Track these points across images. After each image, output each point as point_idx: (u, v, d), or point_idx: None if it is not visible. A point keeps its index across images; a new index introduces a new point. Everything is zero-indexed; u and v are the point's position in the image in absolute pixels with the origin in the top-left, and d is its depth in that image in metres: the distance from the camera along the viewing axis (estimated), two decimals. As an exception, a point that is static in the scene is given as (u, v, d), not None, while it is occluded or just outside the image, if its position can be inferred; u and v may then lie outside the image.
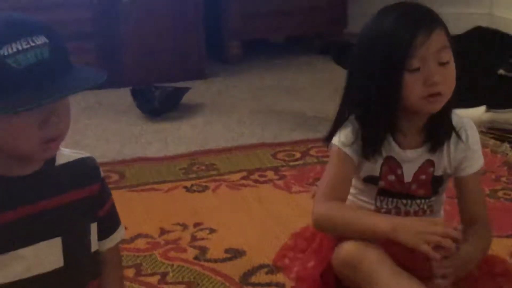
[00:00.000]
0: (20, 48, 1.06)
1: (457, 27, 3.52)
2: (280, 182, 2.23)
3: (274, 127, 2.70)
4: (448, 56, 1.42)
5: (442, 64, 1.41)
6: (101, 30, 3.12)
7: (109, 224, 1.28)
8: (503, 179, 2.20)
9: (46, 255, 1.17)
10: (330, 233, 1.53)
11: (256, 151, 2.47)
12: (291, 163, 2.37)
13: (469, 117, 2.54)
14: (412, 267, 1.46)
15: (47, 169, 1.18)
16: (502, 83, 2.96)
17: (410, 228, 1.40)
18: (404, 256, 1.46)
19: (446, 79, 1.42)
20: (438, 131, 1.51)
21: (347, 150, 1.51)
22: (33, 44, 1.07)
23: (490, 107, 2.58)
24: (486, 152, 2.35)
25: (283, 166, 2.34)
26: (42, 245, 1.17)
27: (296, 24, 3.49)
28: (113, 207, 1.29)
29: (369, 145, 1.50)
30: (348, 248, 1.48)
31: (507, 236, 1.87)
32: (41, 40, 1.08)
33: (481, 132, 2.47)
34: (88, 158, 1.24)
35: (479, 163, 1.55)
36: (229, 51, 3.44)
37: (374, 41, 1.44)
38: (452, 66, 1.43)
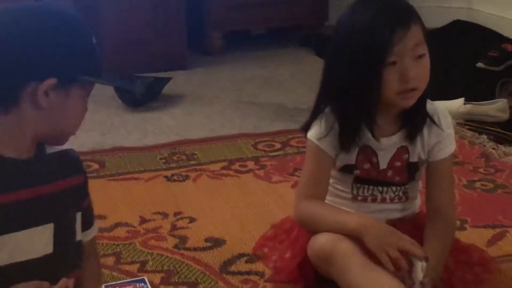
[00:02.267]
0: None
1: (437, 21, 3.55)
2: (261, 172, 2.23)
3: (255, 117, 2.69)
4: (423, 50, 1.43)
5: (418, 58, 1.42)
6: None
7: (89, 218, 1.29)
8: (481, 170, 2.22)
9: (38, 240, 1.17)
10: (312, 230, 1.54)
11: (236, 141, 2.46)
12: (272, 153, 2.36)
13: (447, 109, 2.59)
14: (379, 260, 1.45)
15: (40, 156, 1.18)
16: (480, 76, 2.98)
17: (378, 233, 1.42)
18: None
19: (421, 74, 1.43)
20: (413, 120, 1.52)
21: (322, 144, 1.53)
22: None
23: (468, 99, 2.59)
24: (464, 144, 2.38)
25: (263, 156, 2.34)
26: (35, 230, 1.16)
27: (277, 16, 3.48)
28: (91, 202, 1.30)
29: (345, 137, 1.51)
30: (321, 241, 1.50)
31: (484, 226, 1.88)
32: None
33: (459, 124, 2.51)
34: (70, 149, 1.25)
35: (451, 147, 1.57)
36: (210, 43, 3.43)
37: (351, 36, 1.44)
38: (427, 59, 1.45)
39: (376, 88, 1.42)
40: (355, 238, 1.47)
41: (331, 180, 1.59)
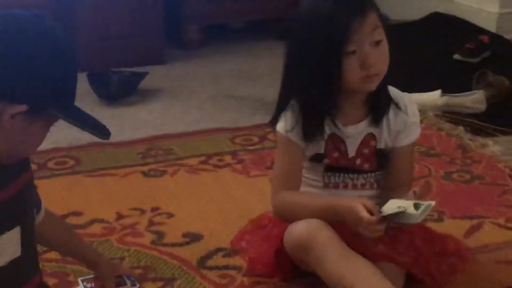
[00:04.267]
0: None
1: (415, 13, 3.56)
2: (239, 166, 2.22)
3: (233, 112, 2.69)
4: (381, 35, 1.46)
5: (376, 43, 1.45)
6: (57, 14, 3.05)
7: (37, 200, 1.31)
8: (458, 161, 2.23)
9: (7, 246, 1.16)
10: (291, 220, 1.54)
11: (214, 135, 2.45)
12: (249, 148, 2.36)
13: (424, 101, 2.61)
14: (362, 249, 1.47)
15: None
16: (457, 68, 3.00)
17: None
18: (355, 238, 1.47)
19: (381, 59, 1.46)
20: (377, 105, 1.55)
21: (291, 136, 1.54)
22: None
23: (445, 91, 2.60)
24: (441, 135, 2.40)
25: (241, 150, 2.33)
26: (5, 236, 1.15)
27: (255, 8, 3.47)
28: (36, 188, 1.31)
29: (308, 128, 1.52)
30: (298, 230, 1.50)
31: (462, 218, 1.89)
32: None
33: (436, 116, 2.52)
34: None
35: (416, 134, 1.60)
36: (188, 36, 3.41)
37: (310, 27, 1.46)
38: (385, 44, 1.47)
39: (337, 77, 1.45)
40: (333, 226, 1.48)
41: (303, 170, 1.60)
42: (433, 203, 1.43)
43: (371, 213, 1.39)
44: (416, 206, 1.41)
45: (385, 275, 1.43)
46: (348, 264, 1.43)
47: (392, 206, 1.41)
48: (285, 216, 1.56)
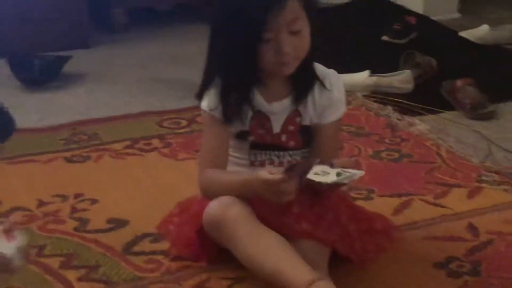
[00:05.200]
0: None
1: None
2: (166, 150, 2.17)
3: (161, 95, 2.63)
4: (300, 25, 1.46)
5: (294, 33, 1.45)
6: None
7: None
8: (387, 140, 2.24)
9: None
10: (214, 197, 1.52)
11: (141, 119, 2.40)
12: (178, 131, 2.31)
13: (353, 82, 2.62)
14: (284, 227, 1.46)
15: None
16: (385, 49, 3.02)
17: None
18: (276, 216, 1.46)
19: (297, 48, 1.46)
20: (302, 82, 1.54)
21: (216, 113, 1.54)
22: None
23: (374, 72, 2.61)
24: (370, 115, 2.40)
25: (169, 134, 2.29)
26: None
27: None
28: None
29: (231, 106, 1.52)
30: (212, 208, 1.49)
31: (391, 195, 1.90)
32: None
33: (365, 96, 2.53)
34: None
35: (341, 111, 1.60)
36: (114, 20, 3.32)
37: (228, 13, 1.46)
38: (304, 34, 1.47)
39: (253, 62, 1.46)
40: (257, 204, 1.47)
41: (229, 149, 1.58)
42: (358, 172, 1.43)
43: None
44: (339, 174, 1.41)
45: (309, 252, 1.42)
46: (258, 241, 1.41)
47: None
48: (210, 195, 1.53)
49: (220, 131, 1.54)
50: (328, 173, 1.41)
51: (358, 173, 1.44)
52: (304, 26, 1.46)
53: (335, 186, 1.44)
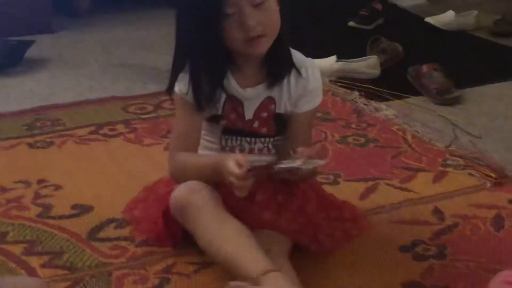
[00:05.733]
0: None
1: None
2: (131, 136, 2.15)
3: (126, 80, 2.61)
4: None
5: (257, 5, 1.41)
6: None
7: None
8: (353, 125, 2.24)
9: None
10: (184, 182, 1.50)
11: (106, 105, 2.37)
12: (143, 116, 2.29)
13: (320, 67, 2.61)
14: (248, 216, 1.45)
15: None
16: (352, 35, 3.03)
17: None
18: (240, 203, 1.45)
19: (264, 20, 1.42)
20: (277, 68, 1.51)
21: (188, 98, 1.51)
22: None
23: (341, 57, 2.61)
24: (336, 101, 2.41)
25: (134, 119, 2.26)
26: None
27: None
28: None
29: (201, 89, 1.49)
30: (179, 192, 1.47)
31: (357, 180, 1.90)
32: None
33: (331, 82, 2.53)
34: None
35: (317, 100, 1.57)
36: (78, 4, 3.29)
37: None
38: (269, 7, 1.43)
39: (219, 40, 1.42)
40: (215, 189, 1.45)
41: (201, 132, 1.56)
42: (320, 162, 1.41)
43: (241, 165, 1.36)
44: (305, 161, 1.38)
45: (271, 241, 1.42)
46: (219, 228, 1.39)
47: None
48: (180, 178, 1.51)
49: (192, 115, 1.51)
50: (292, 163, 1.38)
51: (322, 161, 1.42)
52: None
53: (298, 172, 1.40)
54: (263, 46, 1.44)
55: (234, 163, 1.35)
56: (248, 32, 1.40)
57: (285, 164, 1.38)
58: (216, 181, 1.46)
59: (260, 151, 1.56)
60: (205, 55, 1.46)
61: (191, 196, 1.44)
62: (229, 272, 1.38)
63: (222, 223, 1.40)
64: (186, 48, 1.49)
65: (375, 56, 2.64)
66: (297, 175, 1.42)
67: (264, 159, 1.45)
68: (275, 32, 1.45)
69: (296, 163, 1.37)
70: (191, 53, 1.48)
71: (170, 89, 1.53)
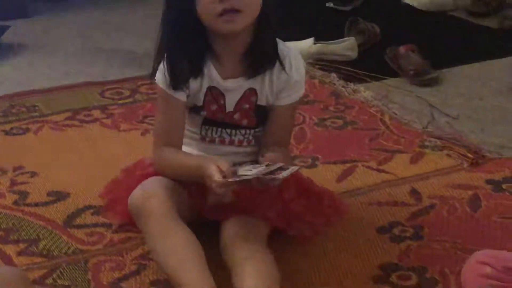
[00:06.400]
0: None
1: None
2: (108, 121, 2.14)
3: (102, 65, 2.58)
4: None
5: None
6: None
7: None
8: (331, 108, 2.24)
9: None
10: (171, 178, 1.49)
11: (82, 90, 2.35)
12: (120, 101, 2.27)
13: (298, 49, 2.61)
14: (225, 205, 1.45)
15: None
16: (330, 16, 3.02)
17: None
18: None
19: None
20: (259, 60, 1.48)
21: (170, 89, 1.48)
22: None
23: (318, 39, 2.61)
24: (314, 83, 2.40)
25: (111, 104, 2.25)
26: None
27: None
28: None
29: (178, 74, 1.46)
30: (134, 196, 1.45)
31: (335, 162, 1.90)
32: None
33: (309, 64, 2.53)
34: None
35: (299, 93, 1.55)
36: (53, -12, 3.24)
37: None
38: None
39: (193, 14, 1.39)
40: (173, 194, 1.44)
41: None
42: (295, 168, 1.40)
43: (224, 173, 1.34)
44: (279, 169, 1.36)
45: (249, 227, 1.42)
46: (165, 240, 1.37)
47: (247, 170, 1.38)
48: (163, 173, 1.50)
49: (175, 108, 1.48)
50: (251, 176, 1.36)
51: (297, 167, 1.40)
52: None
53: (266, 180, 1.36)
54: (238, 23, 1.40)
55: (216, 169, 1.34)
56: (223, 4, 1.36)
57: (266, 178, 1.35)
58: (198, 182, 1.44)
59: (240, 142, 1.55)
60: (182, 32, 1.43)
61: (144, 201, 1.41)
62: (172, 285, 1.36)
63: (169, 235, 1.37)
64: (165, 27, 1.45)
65: (353, 38, 2.63)
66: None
67: (247, 168, 1.40)
68: (252, 10, 1.41)
69: (277, 176, 1.34)
70: (169, 33, 1.45)
71: (153, 75, 1.50)
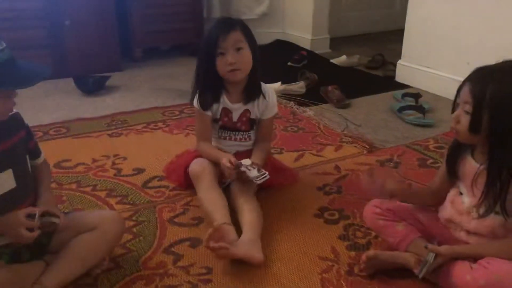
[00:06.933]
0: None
1: (265, 40, 3.53)
2: (166, 129, 2.11)
3: (163, 97, 2.55)
4: (240, 45, 1.39)
5: (237, 49, 1.38)
6: (53, 42, 2.78)
7: (37, 151, 1.16)
8: (290, 120, 2.22)
9: (4, 182, 1.03)
10: (206, 158, 1.47)
11: (152, 111, 2.32)
12: (173, 117, 2.25)
13: (272, 88, 2.58)
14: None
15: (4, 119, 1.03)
16: (289, 70, 3.00)
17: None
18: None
19: (240, 60, 1.39)
20: (251, 93, 1.48)
21: (201, 108, 1.47)
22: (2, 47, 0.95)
23: (283, 82, 2.59)
24: (281, 106, 2.38)
25: (168, 119, 2.22)
26: (1, 175, 1.02)
27: (175, 37, 3.31)
28: (36, 142, 1.15)
29: (204, 102, 1.46)
30: (192, 165, 1.45)
31: (293, 151, 1.90)
32: (2, 45, 0.95)
33: (278, 96, 2.50)
34: (15, 113, 1.09)
35: (273, 112, 1.54)
36: (135, 54, 3.20)
37: (204, 41, 1.41)
38: (244, 52, 1.40)
39: (214, 69, 1.40)
40: (212, 167, 1.43)
41: None
42: (267, 175, 1.37)
43: (232, 163, 1.36)
44: (259, 170, 1.37)
45: (244, 185, 1.40)
46: (208, 192, 1.38)
47: (246, 163, 1.37)
48: (203, 157, 1.50)
49: (204, 120, 1.49)
50: (250, 169, 1.36)
51: (267, 176, 1.37)
52: (244, 46, 1.39)
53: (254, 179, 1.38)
54: (238, 76, 1.41)
55: (227, 160, 1.35)
56: (230, 66, 1.38)
57: (249, 174, 1.35)
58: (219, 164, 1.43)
59: (241, 139, 1.53)
60: (207, 79, 1.43)
61: (198, 170, 1.42)
62: (206, 217, 1.35)
63: (210, 190, 1.38)
64: (197, 76, 1.45)
65: (303, 81, 2.62)
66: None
67: (245, 163, 1.39)
68: (247, 68, 1.41)
69: (254, 176, 1.34)
70: (200, 79, 1.45)
71: (191, 101, 1.50)
